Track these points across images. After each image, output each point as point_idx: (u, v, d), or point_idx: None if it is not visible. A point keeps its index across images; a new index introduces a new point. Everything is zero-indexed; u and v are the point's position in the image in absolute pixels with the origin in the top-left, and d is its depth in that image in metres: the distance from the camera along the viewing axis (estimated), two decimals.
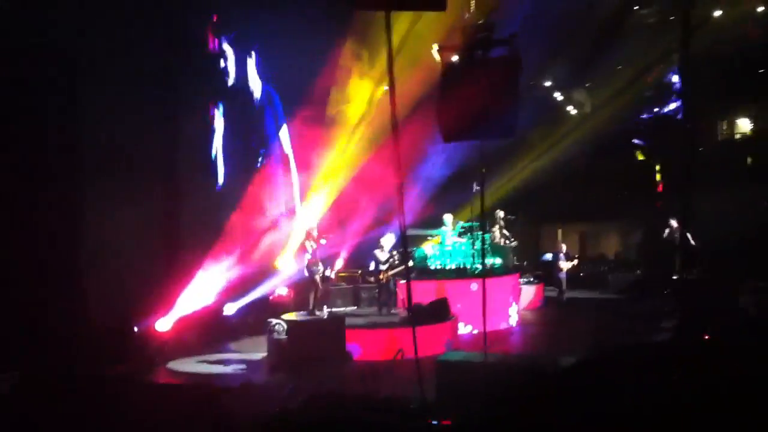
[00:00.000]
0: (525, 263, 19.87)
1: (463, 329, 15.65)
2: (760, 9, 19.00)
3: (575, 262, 19.42)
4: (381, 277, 16.19)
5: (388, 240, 16.75)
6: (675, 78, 20.07)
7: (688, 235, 17.60)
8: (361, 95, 19.90)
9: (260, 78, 19.43)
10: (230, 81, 18.74)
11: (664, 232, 18.42)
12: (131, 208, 13.86)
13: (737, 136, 23.74)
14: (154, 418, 10.99)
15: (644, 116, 22.93)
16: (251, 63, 19.17)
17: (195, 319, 15.70)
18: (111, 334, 13.75)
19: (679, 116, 19.95)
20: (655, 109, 22.48)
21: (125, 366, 13.09)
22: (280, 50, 18.05)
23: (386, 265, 16.16)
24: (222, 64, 18.49)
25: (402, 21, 17.27)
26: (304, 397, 10.19)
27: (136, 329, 14.40)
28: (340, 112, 20.11)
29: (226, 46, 18.68)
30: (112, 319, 14.09)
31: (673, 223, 18.29)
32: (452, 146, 17.88)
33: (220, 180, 18.03)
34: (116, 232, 13.74)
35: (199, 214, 16.58)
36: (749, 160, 22.03)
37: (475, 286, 16.13)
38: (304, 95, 19.11)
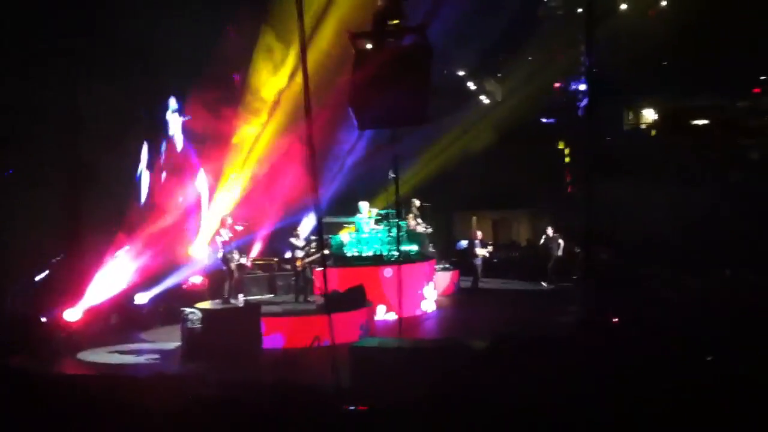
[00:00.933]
0: (436, 250, 20.12)
1: (382, 315, 15.78)
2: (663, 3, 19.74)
3: (490, 249, 19.88)
4: (297, 264, 16.14)
5: (304, 227, 16.72)
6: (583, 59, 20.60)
7: (560, 242, 18.70)
8: (275, 79, 19.75)
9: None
10: None
11: (541, 239, 20.05)
12: (32, 192, 13.44)
13: (642, 126, 24.61)
14: (62, 410, 10.73)
15: (555, 89, 23.54)
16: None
17: (106, 308, 15.34)
18: (15, 324, 13.39)
19: (584, 102, 20.56)
20: (564, 87, 23.11)
21: (28, 357, 12.76)
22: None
23: (302, 253, 16.13)
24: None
25: (316, 6, 17.27)
26: (218, 386, 10.13)
27: (43, 319, 13.99)
28: (254, 98, 19.94)
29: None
30: (17, 308, 13.69)
31: (549, 231, 19.74)
32: (366, 133, 17.99)
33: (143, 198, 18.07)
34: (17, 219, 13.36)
35: (105, 199, 16.20)
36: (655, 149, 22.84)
37: (389, 272, 16.31)
38: (214, 77, 18.89)
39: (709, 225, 18.10)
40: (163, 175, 19.15)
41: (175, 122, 19.60)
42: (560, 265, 19.66)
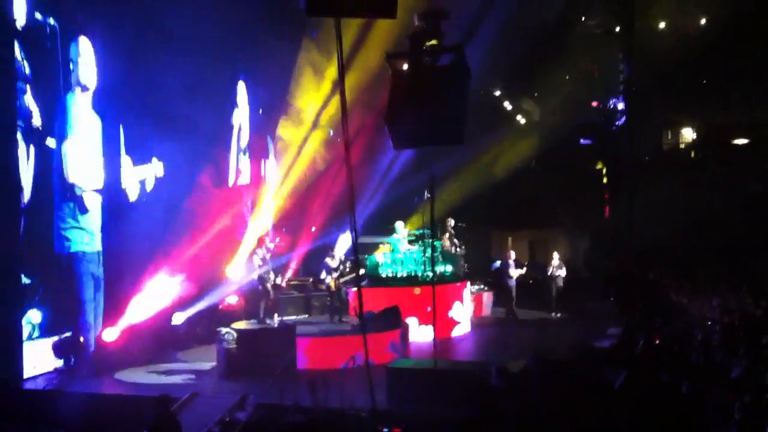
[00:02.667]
0: (471, 270, 19.91)
1: (417, 335, 15.68)
2: (703, 21, 19.54)
3: (524, 270, 19.55)
4: (331, 284, 16.14)
5: (339, 247, 16.72)
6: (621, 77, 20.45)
7: (563, 271, 18.28)
8: (317, 94, 19.95)
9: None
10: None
11: (549, 269, 19.20)
12: None
13: (681, 145, 24.34)
14: (100, 428, 10.82)
15: (593, 111, 23.34)
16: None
17: (143, 328, 15.45)
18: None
19: (621, 121, 20.40)
20: (601, 106, 22.92)
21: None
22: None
23: (337, 273, 16.12)
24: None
25: (354, 29, 17.43)
26: (254, 406, 10.14)
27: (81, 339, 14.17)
28: (295, 120, 20.18)
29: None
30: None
31: (555, 259, 19.19)
32: (403, 153, 18.00)
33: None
34: None
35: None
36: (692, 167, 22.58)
37: (418, 291, 16.28)
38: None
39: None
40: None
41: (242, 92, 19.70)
42: (563, 295, 18.97)
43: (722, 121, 21.89)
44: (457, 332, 16.92)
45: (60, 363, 13.65)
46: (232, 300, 17.64)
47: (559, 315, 18.64)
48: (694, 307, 14.45)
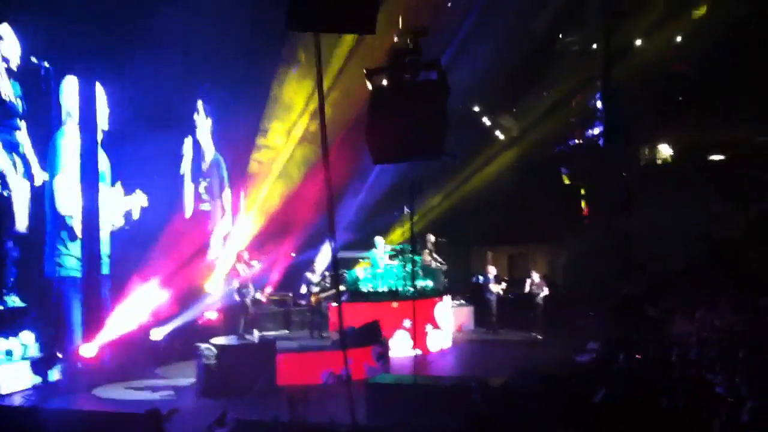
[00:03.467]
0: (451, 285, 19.92)
1: (397, 351, 15.68)
2: (679, 39, 19.77)
3: (503, 285, 19.68)
4: (312, 300, 16.12)
5: (320, 262, 16.72)
6: (599, 104, 20.67)
7: (545, 290, 18.14)
8: (293, 115, 19.96)
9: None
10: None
11: (525, 285, 19.01)
12: None
13: (659, 161, 24.54)
14: None
15: (569, 142, 23.51)
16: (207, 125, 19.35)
17: (122, 344, 15.33)
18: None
19: (601, 141, 20.57)
20: (580, 139, 23.08)
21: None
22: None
23: (318, 288, 16.11)
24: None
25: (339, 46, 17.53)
26: (233, 423, 10.06)
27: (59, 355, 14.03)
28: (271, 135, 20.14)
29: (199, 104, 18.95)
30: None
31: (535, 276, 18.98)
32: (382, 168, 18.08)
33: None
34: None
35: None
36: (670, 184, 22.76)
37: (395, 305, 16.30)
38: (234, 118, 19.13)
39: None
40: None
41: (203, 125, 19.61)
42: (548, 313, 18.62)
43: (699, 138, 22.12)
44: (436, 347, 16.93)
45: (38, 380, 13.55)
46: (212, 315, 17.55)
47: (540, 337, 18.23)
48: (674, 323, 14.51)
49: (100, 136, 15.33)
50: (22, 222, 13.89)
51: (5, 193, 13.55)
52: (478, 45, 18.51)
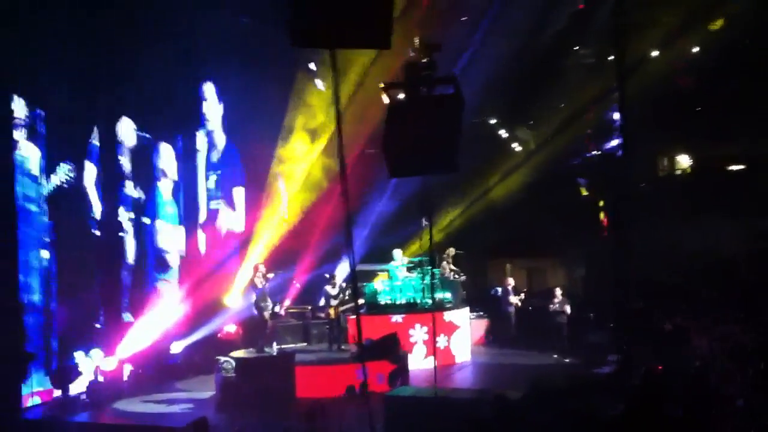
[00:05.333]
0: (469, 298, 19.82)
1: (415, 363, 15.68)
2: (695, 50, 19.70)
3: (522, 296, 19.56)
4: (331, 312, 16.13)
5: (339, 275, 16.78)
6: (615, 115, 20.61)
7: (567, 308, 17.32)
8: (311, 129, 20.05)
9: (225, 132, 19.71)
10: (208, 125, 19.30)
11: (552, 303, 17.58)
12: None
13: (677, 172, 24.40)
14: None
15: (587, 154, 23.42)
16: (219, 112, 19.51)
17: (142, 358, 15.45)
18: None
19: (619, 153, 20.48)
20: (597, 150, 22.98)
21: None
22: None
23: (337, 301, 16.12)
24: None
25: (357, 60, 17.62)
26: None
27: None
28: (290, 149, 20.22)
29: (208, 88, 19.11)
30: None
31: (558, 294, 17.59)
32: (401, 181, 18.13)
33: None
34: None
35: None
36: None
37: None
38: (254, 129, 19.23)
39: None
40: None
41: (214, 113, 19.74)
42: (570, 334, 17.39)
43: (718, 149, 21.98)
44: (457, 360, 16.94)
45: (58, 393, 13.70)
46: (231, 329, 17.64)
47: (566, 360, 16.74)
48: (694, 337, 14.39)
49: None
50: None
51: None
52: (492, 57, 18.50)
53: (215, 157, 19.71)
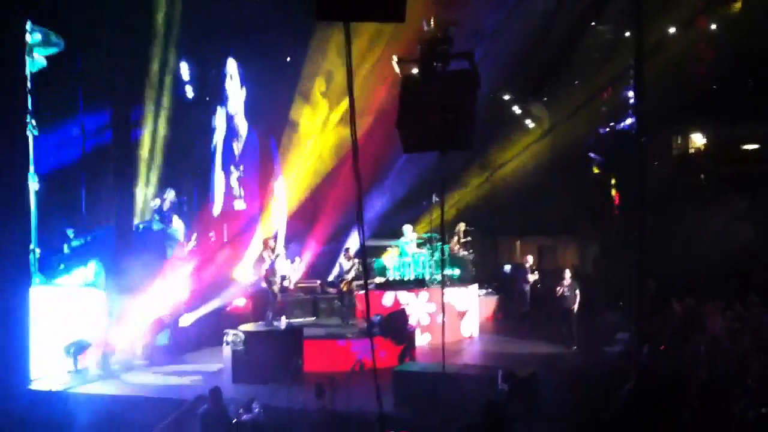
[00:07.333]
0: (479, 275, 19.67)
1: (421, 339, 15.68)
2: (713, 27, 19.44)
3: (536, 275, 19.15)
4: (343, 286, 16.12)
5: (353, 247, 16.75)
6: (630, 93, 20.38)
7: (577, 293, 16.49)
8: (323, 104, 19.91)
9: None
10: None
11: (560, 286, 16.04)
12: None
13: (691, 151, 24.18)
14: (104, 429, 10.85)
15: (601, 130, 23.19)
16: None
17: (151, 329, 15.51)
18: None
19: (634, 131, 20.30)
20: (611, 124, 22.76)
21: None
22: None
23: (352, 275, 16.08)
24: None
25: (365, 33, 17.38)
26: (260, 410, 10.16)
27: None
28: (302, 121, 20.11)
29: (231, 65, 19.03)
30: None
31: (567, 277, 15.98)
32: (413, 157, 18.01)
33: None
34: None
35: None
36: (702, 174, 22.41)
37: (425, 295, 16.36)
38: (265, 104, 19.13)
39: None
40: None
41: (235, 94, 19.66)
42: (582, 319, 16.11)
43: (734, 129, 21.76)
44: (465, 336, 16.94)
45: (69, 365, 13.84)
46: (240, 302, 17.67)
47: (575, 348, 15.56)
48: (707, 319, 14.29)
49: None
50: None
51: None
52: (509, 33, 18.27)
53: (236, 148, 19.75)
